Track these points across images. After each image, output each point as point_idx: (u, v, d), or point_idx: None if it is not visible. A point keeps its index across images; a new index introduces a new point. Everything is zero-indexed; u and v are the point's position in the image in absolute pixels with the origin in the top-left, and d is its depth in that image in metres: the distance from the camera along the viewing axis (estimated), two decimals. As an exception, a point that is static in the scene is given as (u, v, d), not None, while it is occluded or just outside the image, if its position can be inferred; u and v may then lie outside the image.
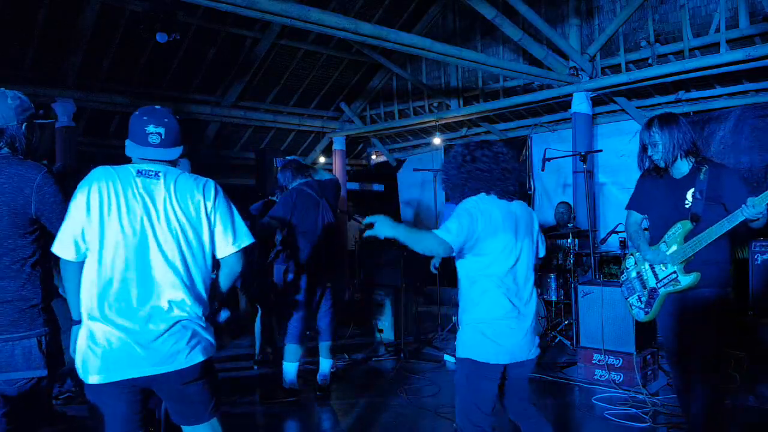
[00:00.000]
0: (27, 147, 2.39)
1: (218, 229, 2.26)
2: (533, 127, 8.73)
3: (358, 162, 11.60)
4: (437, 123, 8.83)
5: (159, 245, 2.14)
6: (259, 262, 5.31)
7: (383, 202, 11.66)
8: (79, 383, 2.18)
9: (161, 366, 2.09)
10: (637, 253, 3.20)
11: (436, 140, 9.02)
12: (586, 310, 4.86)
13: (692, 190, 2.90)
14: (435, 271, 4.63)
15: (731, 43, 6.12)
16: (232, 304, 5.35)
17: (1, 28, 6.25)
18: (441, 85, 9.04)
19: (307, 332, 4.59)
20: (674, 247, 2.95)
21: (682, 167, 2.95)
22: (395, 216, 11.14)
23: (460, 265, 2.60)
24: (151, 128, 2.23)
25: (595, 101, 7.16)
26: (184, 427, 2.30)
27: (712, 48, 6.28)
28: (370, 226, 2.46)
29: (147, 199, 2.15)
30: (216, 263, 2.33)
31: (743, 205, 2.66)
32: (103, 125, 8.16)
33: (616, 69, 7.11)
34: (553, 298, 6.15)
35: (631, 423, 3.85)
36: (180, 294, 2.14)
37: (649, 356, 4.64)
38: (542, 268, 6.13)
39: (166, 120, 2.26)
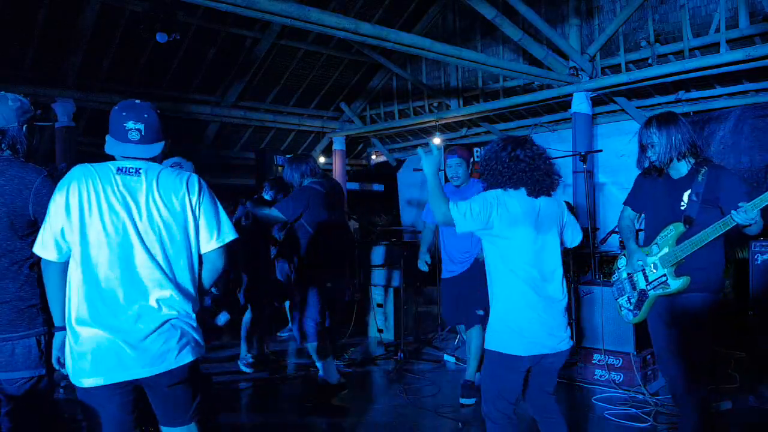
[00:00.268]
0: (28, 149, 2.39)
1: (202, 224, 2.21)
2: (533, 127, 8.73)
3: (358, 162, 11.61)
4: (437, 123, 8.84)
5: (142, 243, 2.09)
6: (254, 262, 5.27)
7: (383, 202, 11.68)
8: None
9: (151, 367, 2.07)
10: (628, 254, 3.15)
11: (436, 140, 9.01)
12: (586, 310, 4.86)
13: (689, 191, 2.84)
14: (425, 268, 4.62)
15: (731, 43, 6.12)
16: (232, 307, 5.32)
17: (1, 28, 6.26)
18: (441, 85, 9.05)
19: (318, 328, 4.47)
20: (665, 250, 2.89)
21: (681, 168, 2.90)
22: (395, 216, 11.16)
23: (486, 258, 2.69)
24: (130, 124, 2.16)
25: (595, 101, 7.17)
26: (163, 429, 2.28)
27: (712, 48, 6.28)
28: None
29: (128, 197, 2.10)
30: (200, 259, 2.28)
31: (733, 210, 2.60)
32: (103, 125, 8.04)
33: (616, 69, 7.12)
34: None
35: (631, 423, 3.85)
36: (167, 292, 2.10)
37: (649, 356, 4.63)
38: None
39: (146, 115, 2.19)
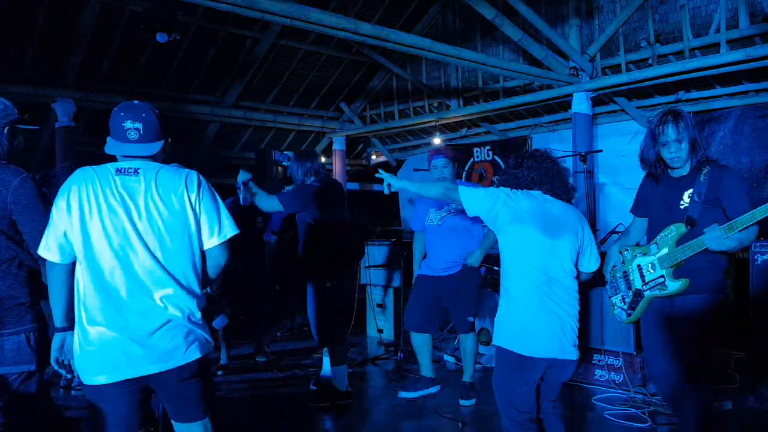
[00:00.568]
0: (9, 151, 2.44)
1: (203, 221, 2.24)
2: (533, 127, 8.72)
3: (358, 162, 11.61)
4: (437, 123, 8.84)
5: (143, 243, 2.12)
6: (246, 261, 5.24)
7: (383, 202, 11.67)
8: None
9: (160, 363, 2.10)
10: (625, 252, 3.07)
11: (436, 140, 9.01)
12: (586, 310, 4.86)
13: (690, 191, 2.77)
14: None
15: (731, 43, 6.12)
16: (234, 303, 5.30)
17: (1, 28, 6.25)
18: (441, 86, 9.04)
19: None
20: (665, 250, 2.81)
21: (683, 167, 2.82)
22: (395, 216, 11.16)
23: (500, 255, 2.70)
24: (128, 124, 2.20)
25: (595, 101, 7.16)
26: (176, 425, 2.31)
27: (712, 48, 6.28)
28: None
29: (126, 197, 2.13)
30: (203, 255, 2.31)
31: (706, 230, 2.59)
32: (103, 125, 8.04)
33: (616, 69, 7.11)
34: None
35: (630, 423, 3.85)
36: (170, 290, 2.14)
37: (648, 356, 4.63)
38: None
39: (143, 115, 2.23)
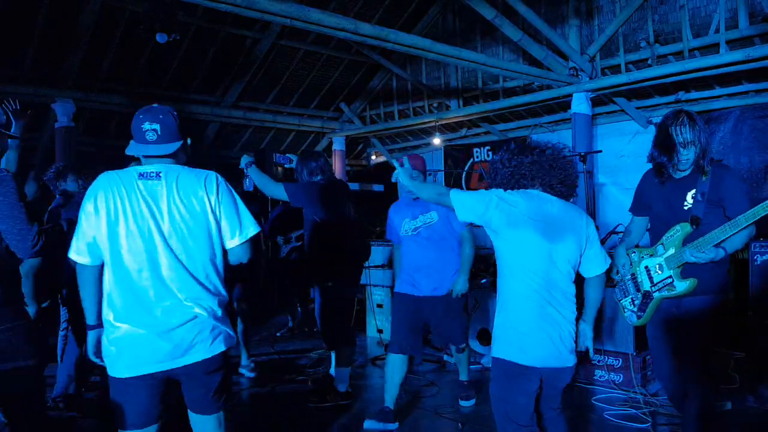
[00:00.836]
0: None
1: (223, 222, 2.32)
2: (533, 127, 8.73)
3: (358, 162, 11.61)
4: (437, 123, 8.84)
5: (167, 245, 2.21)
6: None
7: (383, 202, 11.65)
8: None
9: (184, 357, 2.21)
10: (632, 254, 3.05)
11: (436, 140, 9.02)
12: (585, 310, 4.86)
13: (693, 191, 2.76)
14: None
15: (731, 43, 6.12)
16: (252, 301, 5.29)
17: (1, 28, 6.25)
18: (441, 86, 9.05)
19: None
20: (671, 251, 2.80)
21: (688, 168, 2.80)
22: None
23: (497, 259, 2.59)
24: (146, 125, 2.28)
25: (595, 102, 7.17)
26: (192, 417, 2.38)
27: (712, 49, 6.29)
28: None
29: (150, 201, 2.22)
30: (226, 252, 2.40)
31: (687, 251, 2.68)
32: (103, 125, 8.16)
33: (615, 69, 7.12)
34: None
35: (630, 423, 3.85)
36: (194, 290, 2.23)
37: (648, 357, 4.63)
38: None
39: (161, 116, 2.30)
